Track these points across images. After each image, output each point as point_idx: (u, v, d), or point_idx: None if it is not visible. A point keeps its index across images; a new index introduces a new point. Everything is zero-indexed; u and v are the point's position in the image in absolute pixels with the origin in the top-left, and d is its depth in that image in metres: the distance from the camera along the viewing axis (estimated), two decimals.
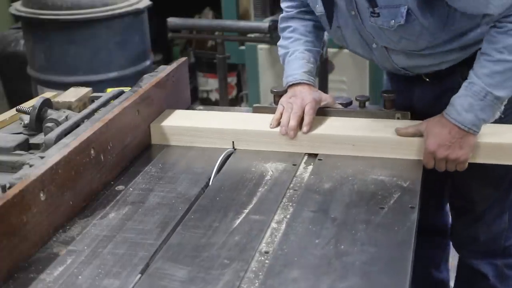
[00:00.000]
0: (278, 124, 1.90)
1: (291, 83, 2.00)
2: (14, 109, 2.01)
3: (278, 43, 2.13)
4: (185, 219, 1.54)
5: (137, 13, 3.83)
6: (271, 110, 1.99)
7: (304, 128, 1.87)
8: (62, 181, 1.49)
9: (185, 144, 1.94)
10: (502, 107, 1.79)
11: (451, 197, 2.26)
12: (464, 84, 1.78)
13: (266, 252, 1.41)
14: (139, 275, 1.33)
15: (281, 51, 2.11)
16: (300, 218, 1.54)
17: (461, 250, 2.29)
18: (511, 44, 1.72)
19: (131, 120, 1.84)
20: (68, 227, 1.51)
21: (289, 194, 1.66)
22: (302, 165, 1.82)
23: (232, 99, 4.96)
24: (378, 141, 1.84)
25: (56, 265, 1.37)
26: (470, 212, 2.16)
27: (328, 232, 1.47)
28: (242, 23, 3.89)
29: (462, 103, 1.76)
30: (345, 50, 3.86)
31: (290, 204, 1.61)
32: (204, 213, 1.56)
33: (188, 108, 2.23)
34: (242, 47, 4.25)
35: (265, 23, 3.62)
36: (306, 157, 1.86)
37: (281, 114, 1.92)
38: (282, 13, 2.16)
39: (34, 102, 1.90)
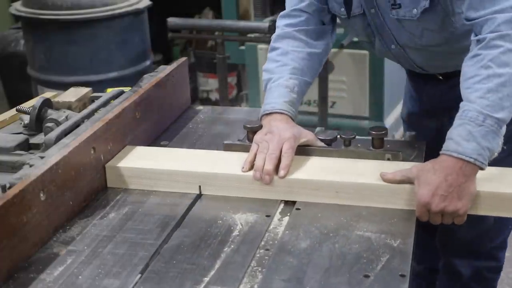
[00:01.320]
0: (252, 167, 1.65)
1: (268, 112, 1.79)
2: (14, 109, 2.01)
3: (264, 66, 1.93)
4: None
5: (137, 13, 3.84)
6: (244, 148, 1.75)
7: (281, 172, 1.62)
8: (62, 181, 1.49)
9: (144, 188, 1.68)
10: (502, 138, 1.57)
11: None
12: (457, 115, 1.57)
13: None
14: (139, 275, 1.33)
15: (265, 76, 1.89)
16: None
17: (446, 249, 2.21)
18: (497, 55, 1.55)
19: (131, 120, 1.84)
20: (68, 227, 1.51)
21: (259, 256, 1.40)
22: (277, 215, 1.57)
23: (232, 99, 4.96)
24: (365, 188, 1.58)
25: (56, 265, 1.37)
26: None
27: None
28: (242, 23, 3.89)
29: (460, 133, 1.53)
30: (345, 50, 3.91)
31: (259, 269, 1.36)
32: (156, 282, 1.32)
33: (188, 108, 2.23)
34: (242, 47, 4.26)
35: (265, 23, 3.62)
36: (282, 205, 1.61)
37: (255, 155, 1.66)
38: (276, 31, 1.98)
39: (34, 102, 1.90)
